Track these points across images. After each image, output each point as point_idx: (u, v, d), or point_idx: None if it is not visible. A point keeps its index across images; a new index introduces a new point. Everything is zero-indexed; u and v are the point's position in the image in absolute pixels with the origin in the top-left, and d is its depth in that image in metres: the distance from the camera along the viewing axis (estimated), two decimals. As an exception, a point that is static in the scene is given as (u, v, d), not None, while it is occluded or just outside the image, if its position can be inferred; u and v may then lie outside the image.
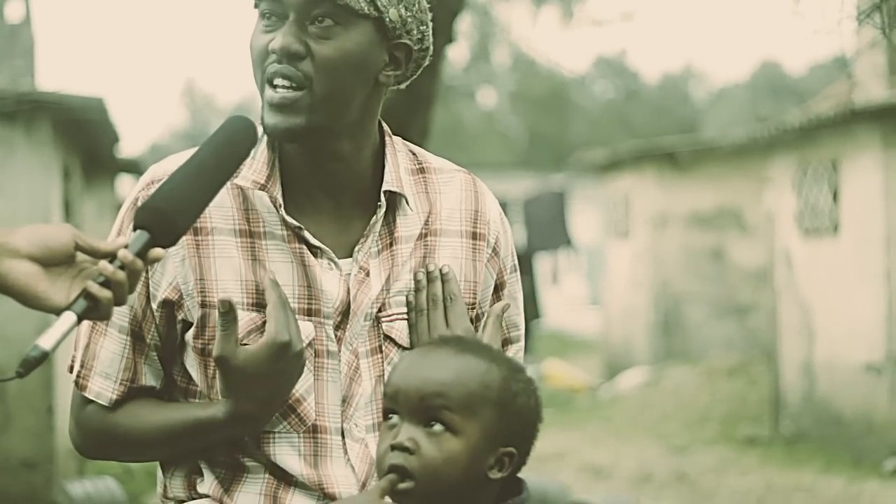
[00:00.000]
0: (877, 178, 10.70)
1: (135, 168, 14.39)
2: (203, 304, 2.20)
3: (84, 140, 10.47)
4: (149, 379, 2.27)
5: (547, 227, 18.59)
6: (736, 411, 13.86)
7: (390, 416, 2.02)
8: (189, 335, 2.23)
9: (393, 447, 1.97)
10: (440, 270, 2.27)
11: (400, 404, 2.00)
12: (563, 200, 19.02)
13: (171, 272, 2.21)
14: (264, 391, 2.11)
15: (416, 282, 2.27)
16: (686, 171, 17.07)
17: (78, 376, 2.27)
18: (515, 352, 2.40)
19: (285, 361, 2.10)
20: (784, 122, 12.28)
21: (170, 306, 2.22)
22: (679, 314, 16.93)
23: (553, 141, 44.54)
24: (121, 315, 2.23)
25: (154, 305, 2.22)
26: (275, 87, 2.16)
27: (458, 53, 34.33)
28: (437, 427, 1.98)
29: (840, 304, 11.38)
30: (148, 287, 2.23)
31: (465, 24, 30.42)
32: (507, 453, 2.03)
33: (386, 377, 2.14)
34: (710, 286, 16.98)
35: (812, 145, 11.89)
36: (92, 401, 2.26)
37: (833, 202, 11.46)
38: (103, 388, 2.25)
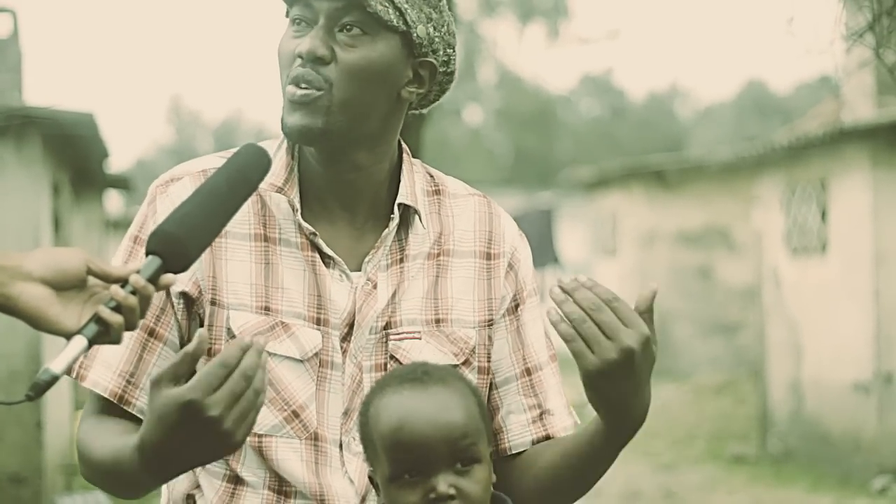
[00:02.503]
0: (865, 197, 10.73)
1: (123, 184, 14.36)
2: (213, 302, 2.20)
3: (74, 155, 10.47)
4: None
5: (534, 245, 18.59)
6: (723, 429, 13.87)
7: (406, 475, 1.97)
8: None
9: (436, 500, 1.95)
10: (577, 279, 2.02)
11: (425, 461, 1.96)
12: (550, 218, 19.06)
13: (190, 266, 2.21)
14: (162, 439, 1.91)
15: (558, 301, 2.00)
16: (674, 190, 17.11)
17: (80, 367, 2.22)
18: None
19: (191, 423, 1.88)
20: (772, 142, 12.32)
21: (188, 299, 2.21)
22: (666, 332, 16.95)
23: (539, 158, 44.64)
24: None
25: (174, 298, 2.21)
26: (297, 87, 2.17)
27: (444, 71, 34.37)
28: (467, 464, 1.98)
29: (828, 323, 11.41)
30: None
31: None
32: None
33: None
34: (697, 304, 17.01)
35: (800, 164, 11.92)
36: (92, 414, 2.22)
37: (821, 221, 11.49)
38: (100, 377, 2.20)
